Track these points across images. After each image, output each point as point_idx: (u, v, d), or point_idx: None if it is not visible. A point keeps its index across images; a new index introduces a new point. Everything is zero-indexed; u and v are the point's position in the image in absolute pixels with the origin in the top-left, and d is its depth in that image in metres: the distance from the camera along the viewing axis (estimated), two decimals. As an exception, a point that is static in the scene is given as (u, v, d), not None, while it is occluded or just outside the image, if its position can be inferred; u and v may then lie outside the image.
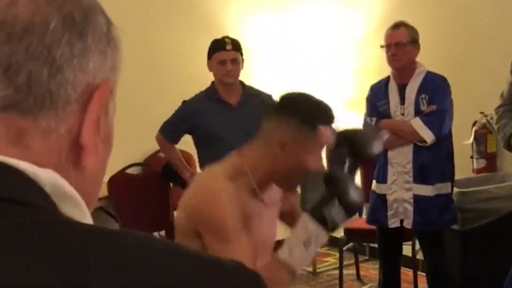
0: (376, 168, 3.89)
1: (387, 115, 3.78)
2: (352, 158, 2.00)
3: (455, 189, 3.91)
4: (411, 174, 3.71)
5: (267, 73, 5.40)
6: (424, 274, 4.01)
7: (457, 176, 4.01)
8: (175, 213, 4.51)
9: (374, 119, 3.81)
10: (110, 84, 0.73)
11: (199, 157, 3.96)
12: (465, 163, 4.38)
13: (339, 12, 5.55)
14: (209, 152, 3.80)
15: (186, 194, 2.01)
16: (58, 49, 0.65)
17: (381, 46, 3.79)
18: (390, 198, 3.76)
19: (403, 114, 3.74)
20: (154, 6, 5.11)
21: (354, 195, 1.88)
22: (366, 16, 5.26)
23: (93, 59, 0.69)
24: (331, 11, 5.60)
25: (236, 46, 3.77)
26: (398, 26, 3.76)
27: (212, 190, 1.93)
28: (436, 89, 3.71)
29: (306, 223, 1.84)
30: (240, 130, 3.69)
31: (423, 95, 3.70)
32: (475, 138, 4.35)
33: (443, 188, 3.74)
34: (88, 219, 0.67)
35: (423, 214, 3.69)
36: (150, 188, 4.54)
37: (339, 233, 4.56)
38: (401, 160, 3.72)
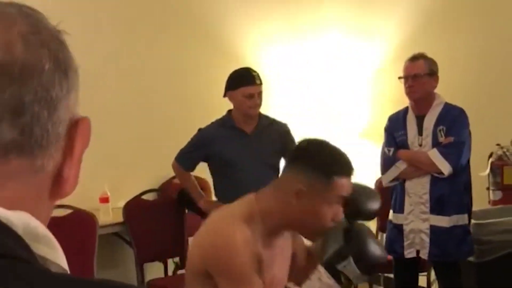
0: (393, 197, 3.90)
1: (405, 146, 3.80)
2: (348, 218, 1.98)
3: (472, 221, 3.90)
4: (428, 204, 3.71)
5: (283, 102, 5.41)
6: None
7: (474, 208, 4.00)
8: (189, 240, 4.57)
9: (392, 149, 3.82)
10: (87, 119, 0.74)
11: (214, 184, 3.98)
12: (481, 195, 4.37)
13: (355, 42, 5.57)
14: (224, 179, 3.84)
15: (201, 231, 1.99)
16: (54, 90, 0.68)
17: (399, 78, 3.82)
18: (406, 228, 3.76)
19: (420, 145, 3.76)
20: (173, 34, 5.15)
21: (373, 253, 1.87)
22: (382, 46, 5.28)
23: (73, 95, 0.72)
24: (347, 41, 5.62)
25: (261, 80, 3.78)
26: (416, 58, 3.79)
27: (228, 233, 1.89)
28: (454, 120, 3.73)
29: (321, 275, 1.87)
30: (255, 158, 3.74)
31: (441, 127, 3.71)
32: (491, 169, 4.35)
33: (460, 219, 3.74)
34: (61, 257, 0.68)
35: (439, 245, 3.68)
36: (165, 215, 4.56)
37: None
38: (418, 190, 3.73)
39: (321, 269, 1.88)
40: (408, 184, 3.77)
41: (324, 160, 1.95)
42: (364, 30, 5.51)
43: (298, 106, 5.46)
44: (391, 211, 3.91)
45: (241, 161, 3.74)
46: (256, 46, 5.44)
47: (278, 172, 3.81)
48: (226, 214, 2.02)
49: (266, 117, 3.93)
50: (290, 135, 3.85)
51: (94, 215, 4.19)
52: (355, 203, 2.01)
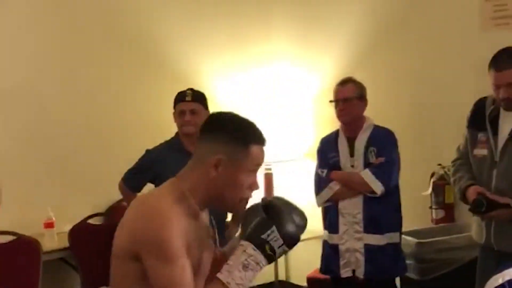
0: (327, 218, 3.97)
1: (338, 167, 3.88)
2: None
3: (414, 240, 3.99)
4: (361, 224, 3.80)
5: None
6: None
7: (416, 226, 4.09)
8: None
9: (326, 171, 3.91)
10: None
11: None
12: (424, 214, 4.47)
13: (299, 70, 5.70)
14: None
15: (129, 215, 1.96)
16: None
17: (330, 101, 3.92)
18: (342, 247, 3.83)
19: (353, 166, 3.85)
20: (123, 60, 5.16)
21: (293, 225, 1.92)
22: (322, 74, 5.40)
23: None
24: (293, 70, 5.75)
25: (196, 97, 3.82)
26: (346, 82, 3.91)
27: (160, 213, 1.87)
28: (384, 142, 3.85)
29: (246, 247, 1.88)
30: None
31: (371, 148, 3.82)
32: (433, 189, 4.45)
33: (393, 237, 3.83)
34: None
35: (374, 263, 3.76)
36: (112, 239, 4.46)
37: (303, 282, 4.58)
38: (351, 210, 3.81)
39: (244, 242, 1.90)
40: (341, 205, 3.85)
41: (239, 129, 1.98)
42: (307, 61, 5.62)
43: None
44: (325, 232, 3.98)
45: None
46: (209, 74, 5.50)
47: None
48: (155, 195, 2.02)
49: None
50: None
51: (38, 241, 4.13)
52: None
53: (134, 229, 1.90)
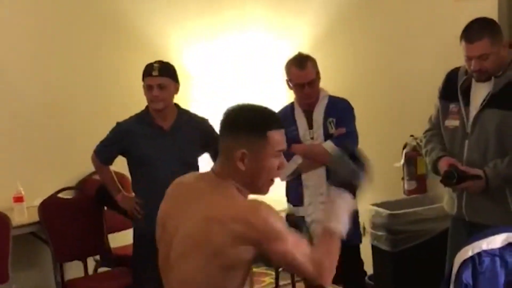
0: (291, 192, 3.96)
1: (297, 141, 3.86)
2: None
3: (386, 211, 4.02)
4: (326, 195, 3.79)
5: (206, 96, 5.42)
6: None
7: (389, 198, 4.10)
8: (109, 237, 4.52)
9: (285, 145, 3.87)
10: None
11: (132, 179, 3.94)
12: (396, 185, 4.48)
13: (274, 38, 5.63)
14: (140, 175, 3.83)
15: (213, 213, 2.04)
16: None
17: (291, 88, 3.90)
18: (308, 219, 3.83)
19: (312, 138, 3.84)
20: (92, 30, 5.07)
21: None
22: (298, 42, 5.34)
23: None
24: (267, 37, 5.68)
25: (164, 71, 3.74)
26: (304, 64, 3.83)
27: (260, 206, 2.03)
28: (342, 112, 3.85)
29: (343, 194, 2.12)
30: (171, 156, 3.72)
31: (330, 119, 3.82)
32: (405, 160, 4.45)
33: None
34: None
35: None
36: (83, 212, 4.48)
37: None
38: (315, 182, 3.80)
39: (339, 190, 2.15)
40: (304, 177, 3.84)
41: (255, 120, 2.10)
42: (282, 28, 5.56)
43: (221, 100, 5.47)
44: (289, 205, 3.99)
45: (157, 158, 3.73)
46: (179, 43, 5.42)
47: (195, 169, 3.79)
48: (233, 199, 2.10)
49: (185, 112, 3.91)
50: (213, 132, 3.73)
51: (7, 216, 4.10)
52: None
53: (237, 225, 2.00)
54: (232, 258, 2.01)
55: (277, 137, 2.11)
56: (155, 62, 3.79)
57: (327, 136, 3.80)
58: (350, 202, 2.11)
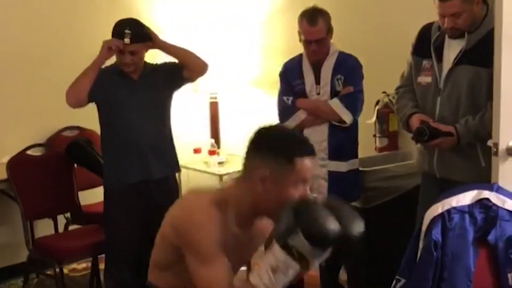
0: None
1: (303, 95, 3.82)
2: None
3: (359, 168, 4.01)
4: (326, 151, 3.79)
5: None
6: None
7: (361, 155, 4.09)
8: (80, 194, 4.48)
9: (291, 98, 3.84)
10: None
11: (102, 131, 3.91)
12: (368, 142, 4.47)
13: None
14: (112, 124, 3.82)
15: (173, 209, 2.13)
16: None
17: (301, 41, 3.80)
18: None
19: (318, 94, 3.79)
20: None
21: (323, 226, 1.85)
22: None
23: None
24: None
25: (136, 38, 3.70)
26: (315, 20, 3.72)
27: (200, 215, 2.00)
28: (350, 70, 3.80)
29: (275, 250, 1.88)
30: (142, 103, 3.78)
31: (338, 76, 3.77)
32: (377, 117, 4.44)
33: (355, 163, 3.88)
34: None
35: (337, 189, 3.75)
36: (53, 170, 4.42)
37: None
38: (317, 138, 3.75)
39: (275, 244, 1.89)
40: (306, 132, 3.78)
41: (282, 143, 2.03)
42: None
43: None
44: None
45: (129, 105, 3.76)
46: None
47: (168, 114, 3.90)
48: (199, 197, 2.11)
49: (150, 64, 3.91)
50: (169, 63, 3.89)
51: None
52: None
53: (178, 224, 2.05)
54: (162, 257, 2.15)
55: (304, 164, 2.01)
56: (126, 26, 3.70)
57: (334, 93, 3.76)
58: (280, 261, 1.87)
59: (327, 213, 1.89)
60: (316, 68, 3.81)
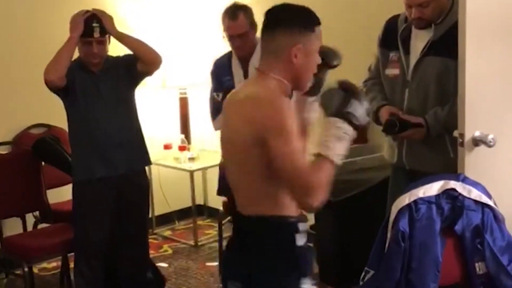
0: None
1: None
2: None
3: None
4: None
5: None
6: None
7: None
8: (48, 192, 4.43)
9: (221, 94, 3.88)
10: None
11: (69, 127, 3.89)
12: (337, 135, 4.48)
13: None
14: (77, 120, 3.79)
15: (242, 110, 2.15)
16: None
17: (224, 38, 3.86)
18: None
19: None
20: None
21: (363, 96, 2.24)
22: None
23: None
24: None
25: (104, 30, 3.71)
26: (236, 15, 3.81)
27: (271, 100, 2.10)
28: None
29: (335, 122, 2.12)
30: (104, 96, 3.77)
31: None
32: (347, 110, 4.44)
33: None
34: None
35: None
36: (20, 168, 4.36)
37: (220, 206, 4.58)
38: None
39: (332, 119, 2.14)
40: None
41: (301, 16, 2.20)
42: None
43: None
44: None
45: (91, 102, 3.74)
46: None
47: (133, 107, 3.89)
48: (265, 90, 2.16)
49: (111, 56, 3.90)
50: (127, 55, 3.86)
51: None
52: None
53: (257, 118, 2.08)
54: (254, 161, 2.13)
55: (319, 31, 2.20)
56: (92, 19, 3.70)
57: None
58: (342, 129, 2.12)
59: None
60: (245, 63, 3.87)
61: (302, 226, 2.24)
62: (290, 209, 2.20)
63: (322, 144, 2.10)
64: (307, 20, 2.20)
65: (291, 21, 2.17)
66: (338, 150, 2.11)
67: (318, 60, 2.22)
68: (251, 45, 3.82)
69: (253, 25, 3.81)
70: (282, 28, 2.16)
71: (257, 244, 2.22)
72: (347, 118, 2.12)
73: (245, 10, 3.82)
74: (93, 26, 3.68)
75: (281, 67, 2.17)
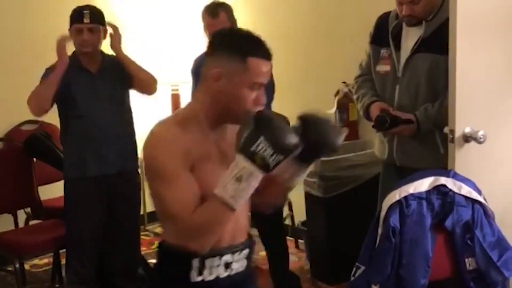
0: None
1: None
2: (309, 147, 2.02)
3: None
4: None
5: (134, 44, 5.30)
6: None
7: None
8: (39, 189, 4.42)
9: None
10: None
11: (61, 126, 3.88)
12: (329, 132, 4.49)
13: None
14: (72, 119, 3.77)
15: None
16: None
17: (207, 35, 3.86)
18: None
19: None
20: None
21: (284, 134, 1.89)
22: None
23: None
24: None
25: (95, 18, 3.71)
26: (216, 13, 3.82)
27: (153, 134, 1.97)
28: None
29: (238, 160, 1.88)
30: (102, 97, 3.76)
31: None
32: (337, 107, 4.46)
33: None
34: None
35: None
36: (12, 164, 4.35)
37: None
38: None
39: (237, 155, 1.89)
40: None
41: (237, 41, 2.00)
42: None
43: (148, 47, 5.40)
44: None
45: (88, 101, 3.74)
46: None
47: (127, 107, 3.91)
48: (162, 122, 2.05)
49: (108, 56, 3.91)
50: None
51: None
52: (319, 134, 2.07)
53: (143, 154, 1.99)
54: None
55: (259, 67, 1.97)
56: (84, 7, 3.73)
57: None
58: (245, 169, 1.86)
59: (287, 127, 1.94)
60: None
61: (204, 263, 2.02)
62: None
63: (219, 182, 1.89)
64: (241, 46, 1.97)
65: (221, 44, 2.01)
66: (233, 191, 1.87)
67: (250, 95, 1.97)
68: None
69: (233, 22, 3.82)
70: (212, 52, 2.03)
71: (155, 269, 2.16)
72: (251, 157, 1.86)
73: (226, 7, 3.84)
74: (84, 12, 3.68)
75: (203, 94, 2.02)
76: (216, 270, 2.05)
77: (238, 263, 2.11)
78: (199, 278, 2.03)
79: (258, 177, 1.88)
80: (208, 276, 2.04)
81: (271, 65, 2.02)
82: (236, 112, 1.99)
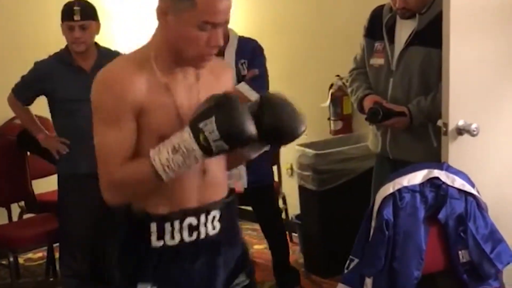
0: None
1: None
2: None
3: (312, 151, 4.04)
4: None
5: (127, 34, 5.29)
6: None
7: (315, 138, 4.11)
8: (33, 182, 4.41)
9: None
10: None
11: (53, 121, 3.87)
12: (322, 125, 4.50)
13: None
14: (63, 116, 3.76)
15: None
16: None
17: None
18: None
19: None
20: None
21: (240, 122, 1.75)
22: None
23: None
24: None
25: (86, 14, 3.66)
26: None
27: (103, 72, 1.88)
28: (253, 53, 3.81)
29: (183, 131, 1.78)
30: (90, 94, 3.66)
31: (242, 60, 3.78)
32: (331, 100, 4.46)
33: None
34: None
35: (255, 170, 3.73)
36: (5, 158, 4.34)
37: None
38: None
39: (186, 126, 1.78)
40: None
41: None
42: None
43: (142, 37, 5.36)
44: None
45: (79, 99, 3.64)
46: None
47: None
48: (120, 58, 2.01)
49: (104, 50, 3.83)
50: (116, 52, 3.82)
51: None
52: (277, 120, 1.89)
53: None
54: None
55: (210, 3, 1.81)
56: (75, 3, 3.66)
57: (239, 77, 3.73)
58: (184, 142, 1.76)
59: (248, 116, 1.80)
60: (220, 55, 3.82)
61: (164, 226, 1.91)
62: (154, 201, 1.91)
63: (159, 144, 1.80)
64: None
65: None
66: (166, 160, 1.77)
67: (201, 36, 1.82)
68: (225, 34, 3.80)
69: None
70: None
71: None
72: (195, 133, 1.74)
73: None
74: (74, 9, 3.63)
75: (154, 35, 1.92)
76: (177, 234, 1.92)
77: (208, 226, 1.96)
78: (160, 243, 1.91)
79: (197, 156, 1.77)
80: (170, 240, 1.92)
81: (229, 3, 1.86)
82: (186, 54, 1.86)
